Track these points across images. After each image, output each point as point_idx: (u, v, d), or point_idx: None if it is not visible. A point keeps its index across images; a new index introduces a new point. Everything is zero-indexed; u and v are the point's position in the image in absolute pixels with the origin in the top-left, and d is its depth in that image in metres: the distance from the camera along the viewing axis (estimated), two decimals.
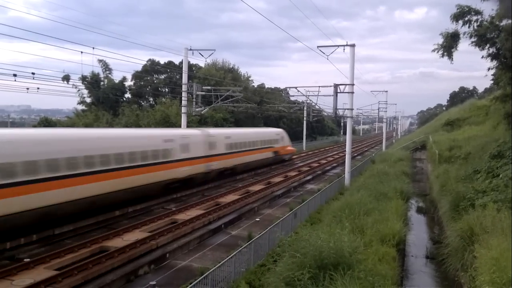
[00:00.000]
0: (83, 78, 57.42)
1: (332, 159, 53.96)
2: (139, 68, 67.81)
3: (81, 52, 25.15)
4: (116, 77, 65.57)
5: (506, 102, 27.79)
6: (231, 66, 77.83)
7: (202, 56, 34.16)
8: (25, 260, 13.80)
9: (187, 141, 26.76)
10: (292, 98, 76.81)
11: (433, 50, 26.97)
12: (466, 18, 24.92)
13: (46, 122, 55.50)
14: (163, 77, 73.27)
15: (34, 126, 56.50)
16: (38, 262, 13.55)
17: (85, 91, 63.38)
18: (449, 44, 26.05)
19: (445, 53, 26.40)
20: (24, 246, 15.73)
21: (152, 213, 21.46)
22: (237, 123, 64.69)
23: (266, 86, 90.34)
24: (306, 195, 26.27)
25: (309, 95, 37.33)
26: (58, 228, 17.43)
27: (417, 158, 51.97)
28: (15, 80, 21.95)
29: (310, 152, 64.29)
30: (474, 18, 24.92)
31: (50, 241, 16.48)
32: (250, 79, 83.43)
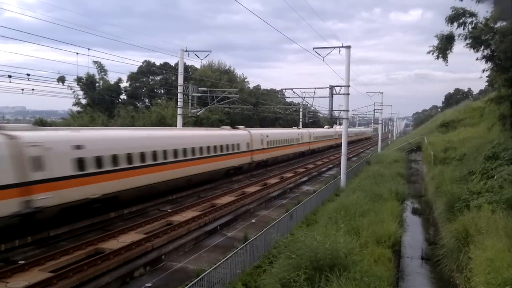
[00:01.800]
0: (79, 79, 57.30)
1: (328, 160, 54.00)
2: (135, 69, 67.95)
3: (77, 53, 25.02)
4: (112, 78, 65.48)
5: (501, 103, 27.88)
6: (227, 68, 78.07)
7: (198, 57, 34.27)
8: (19, 262, 13.74)
9: None
10: (288, 100, 77.14)
11: (428, 52, 27.05)
12: (461, 20, 24.99)
13: (41, 123, 55.25)
14: (158, 78, 73.29)
15: None
16: (33, 264, 13.47)
17: (81, 93, 63.26)
18: (444, 46, 26.13)
19: (440, 55, 26.48)
20: (19, 248, 15.64)
21: (148, 215, 21.39)
22: (233, 125, 64.71)
23: (262, 87, 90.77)
24: (302, 196, 26.28)
25: (305, 97, 37.41)
26: (53, 230, 17.36)
27: (413, 160, 52.23)
28: (10, 81, 21.83)
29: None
30: (469, 20, 24.99)
31: (45, 243, 16.40)
32: (246, 80, 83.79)
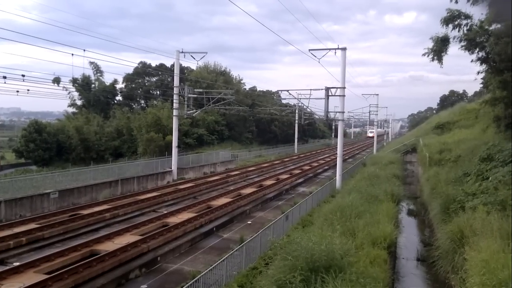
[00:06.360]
0: (74, 81, 57.14)
1: (323, 162, 54.12)
2: (131, 70, 67.81)
3: (72, 54, 24.90)
4: (107, 79, 65.44)
5: (496, 105, 28.01)
6: (222, 69, 77.90)
7: (194, 58, 34.23)
8: (14, 264, 13.67)
9: None
10: (283, 101, 76.80)
11: (424, 54, 27.15)
12: (456, 22, 25.10)
13: (36, 124, 55.01)
14: (154, 79, 73.16)
15: (24, 129, 56.03)
16: (27, 266, 13.42)
17: (76, 94, 63.10)
18: (439, 48, 26.22)
19: (435, 57, 26.58)
20: (14, 250, 15.57)
21: (144, 216, 21.35)
22: (229, 126, 64.64)
23: (258, 89, 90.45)
24: (298, 198, 26.29)
25: (300, 98, 37.42)
26: (48, 232, 17.28)
27: (408, 161, 52.27)
28: (4, 82, 21.71)
29: (301, 155, 64.44)
30: (464, 22, 25.12)
31: (40, 245, 16.33)
32: (242, 82, 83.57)
